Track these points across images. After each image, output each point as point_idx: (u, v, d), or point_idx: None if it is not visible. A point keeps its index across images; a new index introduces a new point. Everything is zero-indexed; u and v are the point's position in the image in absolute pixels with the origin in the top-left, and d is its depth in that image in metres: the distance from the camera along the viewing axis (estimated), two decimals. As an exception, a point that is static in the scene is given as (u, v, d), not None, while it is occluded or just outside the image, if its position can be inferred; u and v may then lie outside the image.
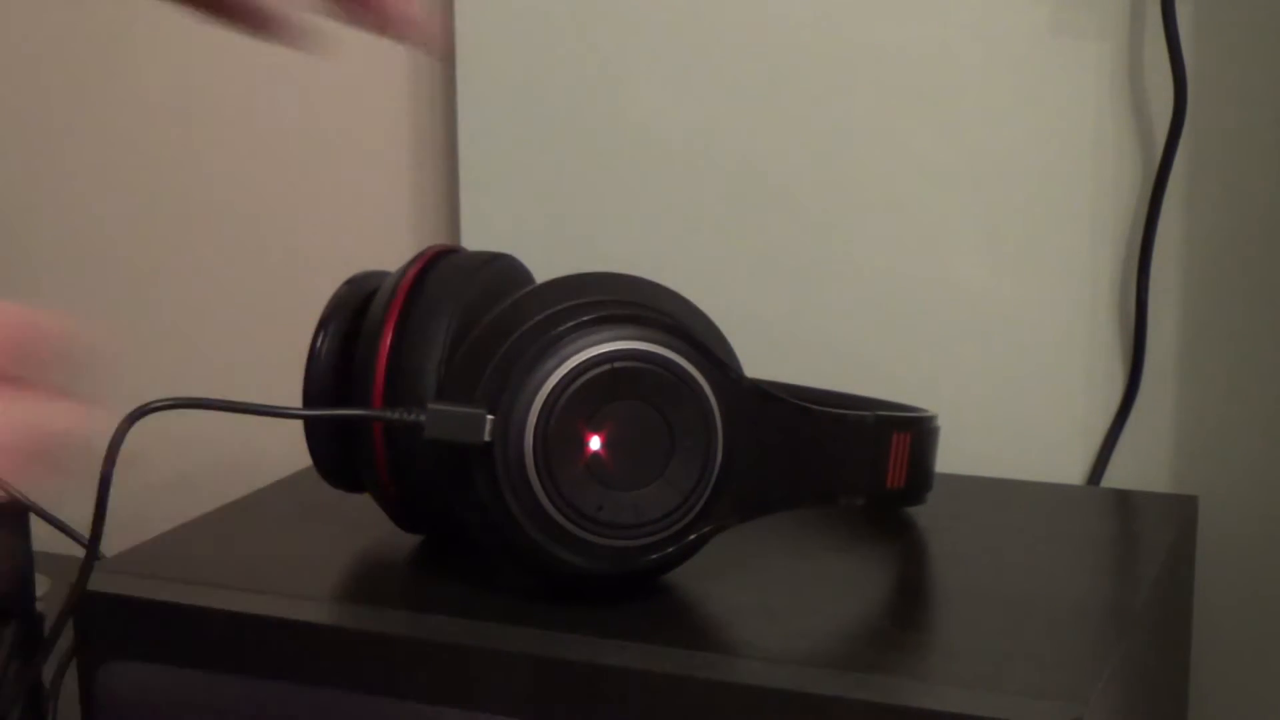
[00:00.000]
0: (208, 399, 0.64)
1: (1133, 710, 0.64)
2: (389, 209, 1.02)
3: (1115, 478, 0.85)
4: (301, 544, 0.71)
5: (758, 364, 0.68)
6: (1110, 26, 0.82)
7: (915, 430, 0.68)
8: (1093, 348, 0.85)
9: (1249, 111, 0.81)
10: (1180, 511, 0.76)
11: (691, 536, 0.62)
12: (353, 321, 0.68)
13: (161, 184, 1.08)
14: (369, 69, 1.01)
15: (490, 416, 0.60)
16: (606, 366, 0.60)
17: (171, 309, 1.09)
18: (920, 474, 0.69)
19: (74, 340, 0.45)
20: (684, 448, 0.61)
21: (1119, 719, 0.60)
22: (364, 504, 0.70)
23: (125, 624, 0.65)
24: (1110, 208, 0.84)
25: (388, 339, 0.65)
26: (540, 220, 0.94)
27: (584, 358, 0.60)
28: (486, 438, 0.60)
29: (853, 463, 0.65)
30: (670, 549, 0.62)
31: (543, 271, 0.68)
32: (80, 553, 0.63)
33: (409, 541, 0.70)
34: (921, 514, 0.74)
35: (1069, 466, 0.86)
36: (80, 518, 0.79)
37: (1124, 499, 0.80)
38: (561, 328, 0.61)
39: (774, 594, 0.65)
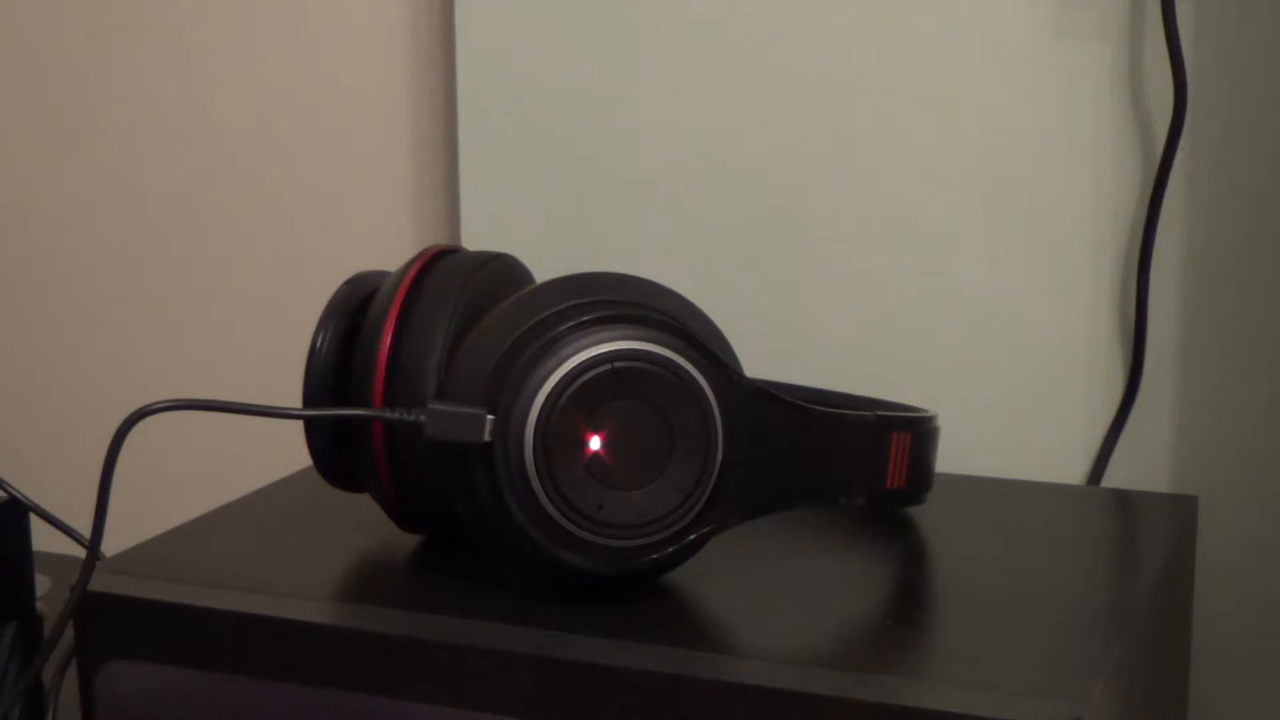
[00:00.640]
0: (208, 400, 0.64)
1: (1133, 710, 0.64)
2: (389, 209, 1.02)
3: (1115, 478, 0.85)
4: (301, 544, 0.71)
5: (758, 364, 0.68)
6: (1110, 26, 0.82)
7: (915, 430, 0.68)
8: (1093, 348, 0.85)
9: (1249, 111, 0.81)
10: (1180, 511, 0.76)
11: (691, 536, 0.62)
12: (353, 321, 0.68)
13: (161, 184, 1.08)
14: (369, 69, 1.01)
15: (490, 416, 0.60)
16: (606, 366, 0.60)
17: (171, 309, 1.09)
18: (920, 474, 0.69)
19: None
20: (684, 448, 0.61)
21: (1119, 719, 0.60)
22: (364, 504, 0.70)
23: (125, 624, 0.65)
24: (1110, 208, 0.84)
25: (388, 339, 0.65)
26: (540, 220, 0.94)
27: (584, 358, 0.60)
28: (486, 438, 0.60)
29: (853, 463, 0.65)
30: (670, 549, 0.62)
31: (543, 271, 0.68)
32: (80, 553, 0.63)
33: (409, 541, 0.70)
34: (921, 514, 0.74)
35: (1069, 466, 0.86)
36: (80, 518, 0.79)
37: (1124, 499, 0.80)
38: (561, 328, 0.61)
39: (774, 594, 0.65)
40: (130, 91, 1.08)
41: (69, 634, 0.65)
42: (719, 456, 0.61)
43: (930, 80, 0.86)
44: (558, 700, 0.58)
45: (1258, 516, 0.83)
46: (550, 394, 0.60)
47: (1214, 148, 0.82)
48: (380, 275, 0.70)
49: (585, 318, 0.61)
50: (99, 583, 0.65)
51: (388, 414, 0.63)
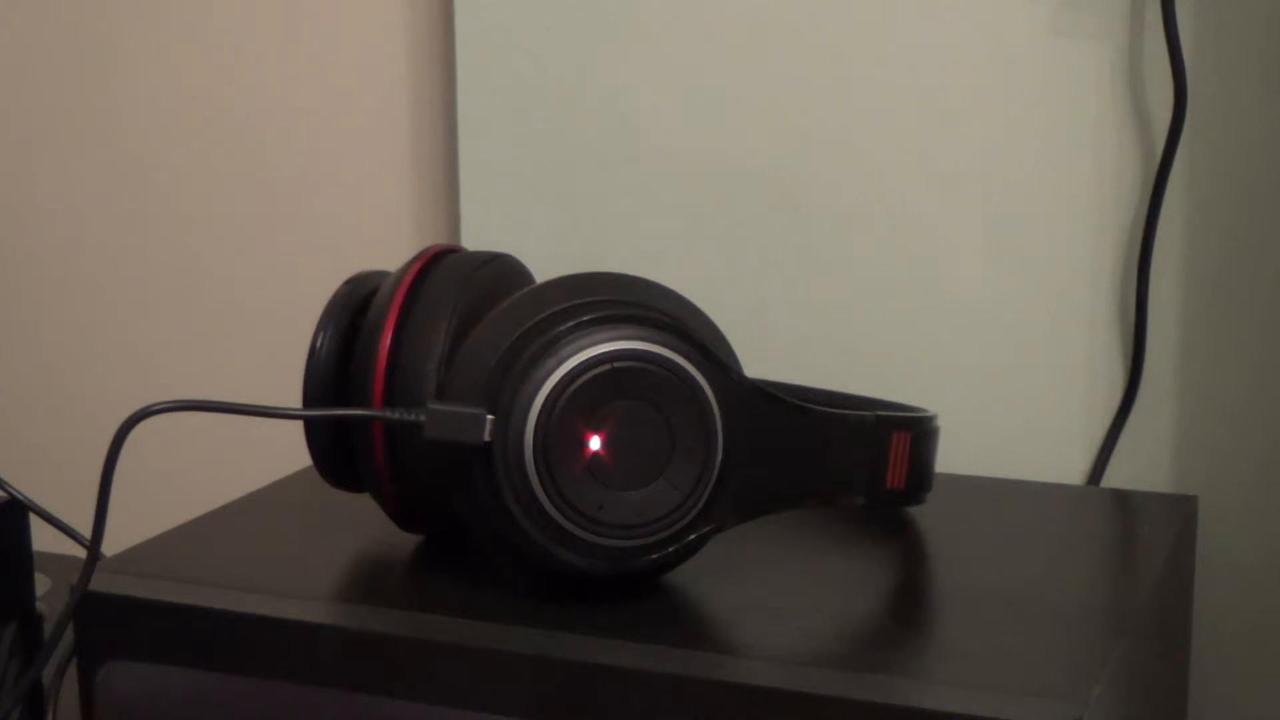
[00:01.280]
0: (208, 401, 0.64)
1: (1133, 710, 0.64)
2: (389, 209, 1.02)
3: (1115, 478, 0.85)
4: (301, 544, 0.71)
5: (758, 364, 0.68)
6: (1110, 27, 0.82)
7: (915, 430, 0.68)
8: (1093, 348, 0.85)
9: (1249, 111, 0.81)
10: (1180, 511, 0.76)
11: (691, 536, 0.62)
12: (353, 321, 0.68)
13: (161, 184, 1.08)
14: (369, 69, 1.01)
15: (490, 416, 0.60)
16: (606, 366, 0.60)
17: (172, 309, 1.09)
18: (920, 474, 0.69)
19: None
20: (684, 448, 0.61)
21: (1119, 719, 0.60)
22: (364, 504, 0.70)
23: (125, 624, 0.65)
24: (1110, 208, 0.84)
25: (388, 339, 0.65)
26: (540, 220, 0.94)
27: (584, 358, 0.60)
28: (486, 438, 0.60)
29: (852, 463, 0.65)
30: (670, 549, 0.62)
31: (543, 271, 0.68)
32: (80, 553, 0.63)
33: (409, 541, 0.70)
34: (921, 514, 0.74)
35: (1069, 466, 0.86)
36: (80, 518, 0.79)
37: (1124, 499, 0.80)
38: (561, 328, 0.61)
39: (774, 594, 0.65)
40: (130, 92, 1.08)
41: (69, 634, 0.65)
42: (719, 456, 0.61)
43: (930, 80, 0.86)
44: (558, 700, 0.58)
45: (1258, 516, 0.83)
46: (550, 394, 0.60)
47: (1214, 148, 0.82)
48: (380, 275, 0.70)
49: (585, 318, 0.61)
50: (99, 583, 0.65)
51: (388, 414, 0.63)
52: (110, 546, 0.68)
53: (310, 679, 0.62)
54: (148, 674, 0.64)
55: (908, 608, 0.65)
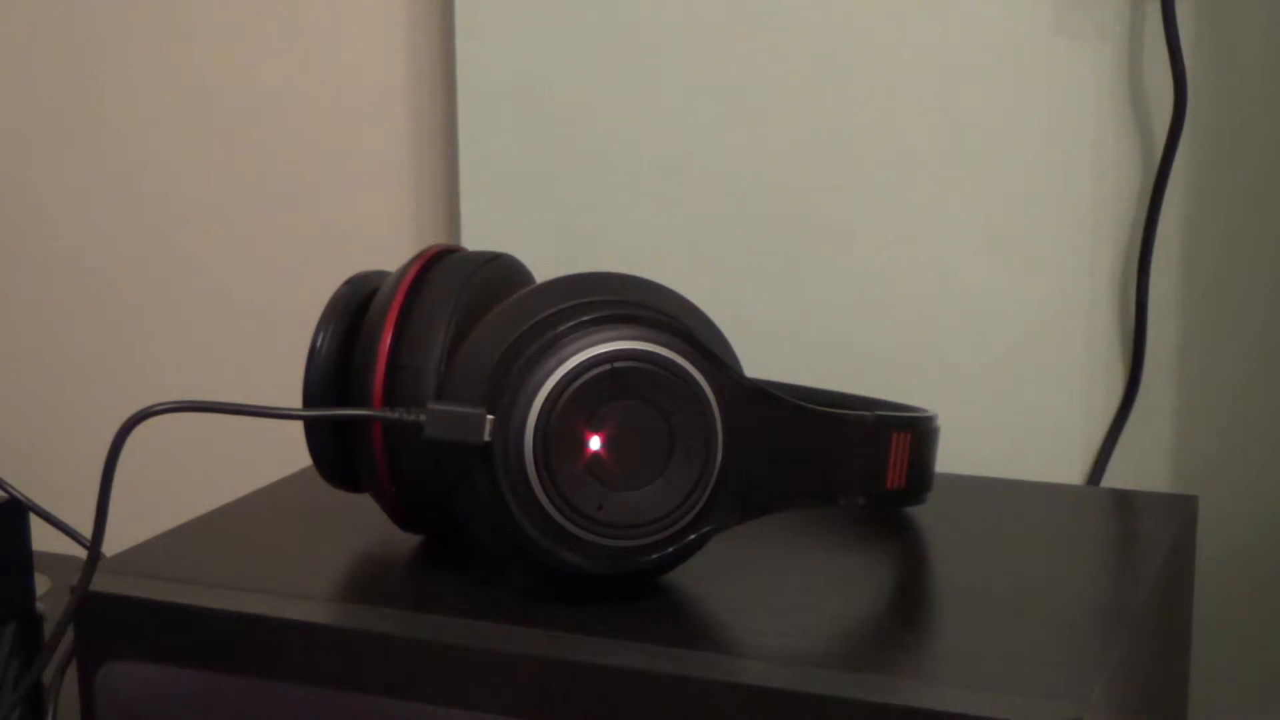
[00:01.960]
0: (209, 401, 0.64)
1: (1133, 710, 0.64)
2: (389, 209, 1.02)
3: (1115, 478, 0.85)
4: (301, 544, 0.71)
5: (758, 364, 0.68)
6: (1110, 26, 0.82)
7: (915, 430, 0.68)
8: (1093, 348, 0.85)
9: (1249, 111, 0.81)
10: (1180, 511, 0.76)
11: (691, 536, 0.62)
12: (353, 321, 0.68)
13: (161, 184, 1.08)
14: (369, 69, 1.01)
15: (490, 416, 0.60)
16: (606, 366, 0.60)
17: (172, 309, 1.09)
18: (920, 474, 0.69)
19: None
20: (684, 448, 0.61)
21: (1119, 719, 0.60)
22: (364, 504, 0.70)
23: (125, 624, 0.65)
24: (1110, 207, 0.84)
25: (388, 339, 0.65)
26: (540, 220, 0.94)
27: (584, 358, 0.60)
28: (486, 438, 0.60)
29: (852, 463, 0.65)
30: (670, 549, 0.62)
31: (543, 271, 0.68)
32: (80, 553, 0.63)
33: (409, 541, 0.70)
34: (921, 514, 0.74)
35: (1069, 466, 0.86)
36: (80, 518, 0.79)
37: (1124, 499, 0.80)
38: (561, 328, 0.61)
39: (774, 594, 0.65)
40: (130, 93, 1.08)
41: (69, 634, 0.65)
42: (719, 456, 0.61)
43: (930, 80, 0.86)
44: (558, 700, 0.58)
45: (1258, 516, 0.83)
46: (550, 394, 0.60)
47: (1214, 148, 0.82)
48: (380, 275, 0.70)
49: (585, 318, 0.61)
50: (99, 583, 0.65)
51: (388, 414, 0.63)
52: (110, 546, 0.68)
53: (310, 679, 0.62)
54: (148, 674, 0.64)
55: (908, 608, 0.65)
